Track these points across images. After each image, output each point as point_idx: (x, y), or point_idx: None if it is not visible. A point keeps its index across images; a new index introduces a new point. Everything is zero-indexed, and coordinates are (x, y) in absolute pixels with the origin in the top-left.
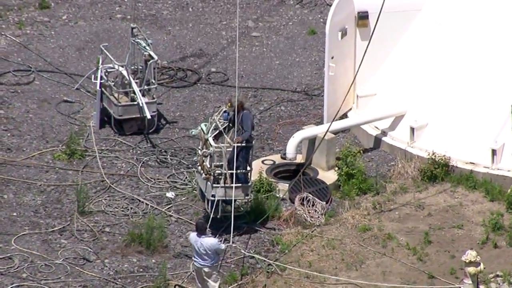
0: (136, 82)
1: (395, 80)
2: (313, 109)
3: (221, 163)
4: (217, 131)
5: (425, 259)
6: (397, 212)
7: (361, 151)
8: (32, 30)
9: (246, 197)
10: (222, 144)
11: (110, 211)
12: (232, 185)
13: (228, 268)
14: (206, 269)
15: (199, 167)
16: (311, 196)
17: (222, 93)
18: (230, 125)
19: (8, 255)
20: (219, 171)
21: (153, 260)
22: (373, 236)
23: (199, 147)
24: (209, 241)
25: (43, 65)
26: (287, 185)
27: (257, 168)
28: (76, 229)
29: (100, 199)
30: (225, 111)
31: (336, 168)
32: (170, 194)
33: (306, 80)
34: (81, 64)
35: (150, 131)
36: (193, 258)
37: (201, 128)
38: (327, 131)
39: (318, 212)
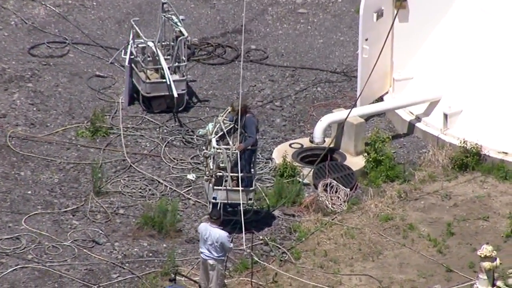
0: (167, 59)
1: (432, 64)
2: (350, 91)
3: (224, 165)
4: (222, 132)
5: (445, 252)
6: (422, 201)
7: (390, 137)
8: (73, 0)
9: (248, 201)
10: (224, 146)
11: (127, 192)
12: (233, 188)
13: (240, 255)
14: (211, 262)
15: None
16: (335, 182)
17: (259, 72)
18: (236, 126)
19: (16, 235)
20: (220, 173)
21: (164, 245)
22: (394, 226)
23: (203, 148)
24: (218, 233)
25: (80, 37)
26: (312, 170)
27: (285, 151)
28: (90, 210)
29: (119, 179)
30: (230, 113)
31: (365, 154)
32: (191, 176)
33: (347, 60)
34: (119, 38)
35: (179, 109)
36: (199, 249)
37: (209, 129)
38: (348, 115)
39: (340, 199)
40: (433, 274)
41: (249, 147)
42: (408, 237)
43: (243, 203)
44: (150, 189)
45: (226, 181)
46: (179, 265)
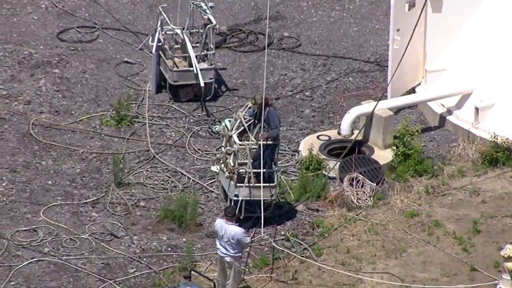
0: (196, 47)
1: (465, 56)
2: (383, 81)
3: (245, 162)
4: (242, 128)
5: (470, 250)
6: (450, 197)
7: (419, 131)
8: None
9: (270, 197)
10: (247, 142)
11: (149, 184)
12: (256, 184)
13: (261, 251)
14: (228, 259)
15: (222, 165)
16: (361, 176)
17: (291, 60)
18: (256, 121)
19: (34, 227)
20: (243, 170)
21: (184, 239)
22: (419, 222)
23: (223, 144)
24: (234, 229)
25: (110, 21)
26: (338, 163)
27: (312, 143)
28: (110, 202)
29: (141, 170)
30: (250, 107)
31: (394, 148)
32: (215, 168)
33: (381, 49)
34: (150, 23)
35: (207, 98)
36: (216, 246)
37: (225, 124)
38: (374, 108)
39: (366, 194)
40: (457, 273)
41: (271, 141)
42: (433, 234)
43: (265, 200)
44: (172, 181)
45: (248, 177)
46: (198, 260)
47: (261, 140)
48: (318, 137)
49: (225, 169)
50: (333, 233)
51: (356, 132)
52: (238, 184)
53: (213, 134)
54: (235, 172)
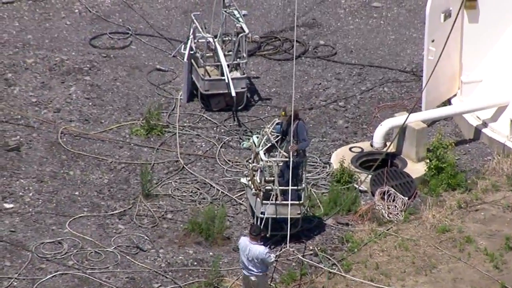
0: (228, 55)
1: (501, 68)
2: (418, 92)
3: (272, 179)
4: (269, 144)
5: (502, 267)
6: (483, 212)
7: (453, 144)
8: None
9: (297, 215)
10: (273, 159)
11: (177, 196)
12: (283, 202)
13: (288, 266)
14: (253, 278)
15: (249, 182)
16: (393, 190)
17: (326, 69)
18: (283, 137)
19: (59, 239)
20: (269, 187)
21: (211, 253)
22: (451, 238)
23: (250, 161)
24: (258, 249)
25: (144, 27)
26: (369, 176)
27: (343, 155)
28: (137, 214)
29: (170, 181)
30: (277, 123)
31: (427, 161)
32: (245, 180)
33: (418, 59)
34: (185, 29)
35: (239, 108)
36: (240, 264)
37: (253, 141)
38: (406, 121)
39: (397, 208)
40: None
41: (297, 156)
42: (465, 251)
43: (292, 217)
44: (201, 193)
45: (275, 195)
46: (224, 275)
47: (291, 152)
48: (350, 149)
49: (252, 186)
50: (362, 248)
51: (389, 144)
52: (264, 202)
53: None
54: (262, 189)
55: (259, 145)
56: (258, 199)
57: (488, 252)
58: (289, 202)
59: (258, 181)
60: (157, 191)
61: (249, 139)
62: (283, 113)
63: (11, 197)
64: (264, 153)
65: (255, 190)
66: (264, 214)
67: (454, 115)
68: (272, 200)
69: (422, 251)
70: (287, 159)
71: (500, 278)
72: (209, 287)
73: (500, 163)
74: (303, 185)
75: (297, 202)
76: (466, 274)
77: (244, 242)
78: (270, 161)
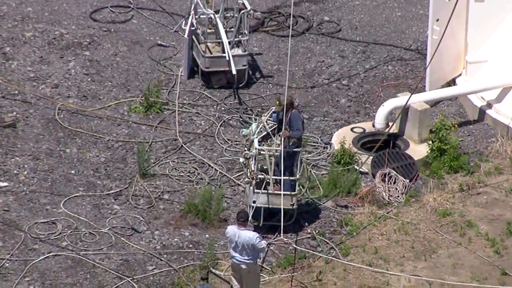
0: (230, 32)
1: (507, 48)
2: (423, 70)
3: (265, 168)
4: (265, 133)
5: (503, 253)
6: (485, 196)
7: (456, 125)
8: None
9: (290, 207)
10: (266, 147)
11: (174, 176)
12: (275, 192)
13: (285, 249)
14: (243, 266)
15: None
16: (394, 172)
17: (330, 46)
18: (280, 126)
19: (53, 219)
20: (262, 176)
21: (207, 235)
22: (452, 222)
23: (245, 149)
24: (247, 235)
25: (146, 1)
26: (370, 157)
27: (345, 136)
28: (133, 194)
29: (168, 160)
30: (274, 112)
31: (430, 142)
32: (243, 159)
33: (423, 37)
34: (187, 3)
35: (240, 85)
36: (230, 252)
37: (252, 129)
38: (407, 101)
39: (398, 191)
40: (487, 277)
41: (292, 145)
42: (465, 235)
43: (285, 208)
44: (199, 173)
45: (268, 184)
46: (220, 258)
47: (282, 139)
48: (352, 129)
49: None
50: (361, 231)
51: (392, 125)
52: (256, 190)
53: (245, 124)
54: (254, 178)
55: (254, 133)
56: (250, 187)
57: (489, 237)
58: (282, 192)
59: (252, 169)
60: (154, 171)
61: (248, 127)
62: (277, 102)
63: (5, 175)
64: (260, 141)
65: (248, 178)
66: (255, 203)
67: (458, 96)
68: (263, 189)
69: (422, 235)
70: (279, 148)
71: (500, 263)
72: (204, 270)
73: (504, 145)
74: (298, 176)
75: (290, 193)
76: (466, 260)
77: (233, 230)
78: (262, 150)
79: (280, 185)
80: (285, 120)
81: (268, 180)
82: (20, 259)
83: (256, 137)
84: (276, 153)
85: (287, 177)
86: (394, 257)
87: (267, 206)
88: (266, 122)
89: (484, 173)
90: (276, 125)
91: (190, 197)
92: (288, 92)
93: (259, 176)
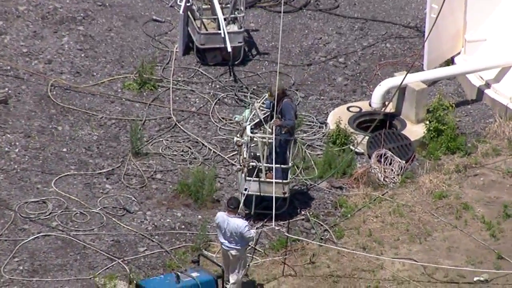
0: (226, 8)
1: (506, 26)
2: (422, 48)
3: (258, 155)
4: (258, 120)
5: (499, 236)
6: (482, 178)
7: (453, 105)
8: None
9: (282, 195)
10: (258, 135)
11: (168, 155)
12: (267, 180)
13: (278, 232)
14: (233, 252)
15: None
16: (390, 153)
17: (327, 23)
18: (273, 114)
19: (43, 198)
20: (254, 164)
21: (199, 216)
22: (447, 204)
23: (237, 135)
24: (236, 222)
25: None
26: (366, 138)
27: (340, 116)
28: (125, 173)
29: (161, 139)
30: (267, 99)
31: (427, 122)
32: (239, 134)
33: (422, 14)
34: None
35: (236, 63)
36: (219, 239)
37: (245, 115)
38: (402, 81)
39: (394, 172)
40: (483, 261)
41: (285, 133)
42: (461, 218)
43: (277, 196)
44: (192, 152)
45: (260, 172)
46: (212, 240)
47: (273, 127)
48: (348, 108)
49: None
50: (356, 213)
51: (388, 105)
52: (247, 178)
53: (240, 102)
54: (246, 165)
55: (247, 120)
56: (242, 174)
57: (485, 220)
58: (273, 180)
59: (244, 156)
60: (147, 150)
61: (241, 112)
62: (268, 93)
63: None
64: (252, 128)
65: (239, 165)
66: (246, 190)
67: (456, 75)
68: (255, 177)
69: (417, 217)
70: (271, 135)
71: (496, 247)
72: (196, 252)
73: (502, 126)
74: (290, 165)
75: (282, 181)
76: (461, 243)
77: (222, 216)
78: (254, 137)
79: (273, 172)
80: (276, 109)
81: (260, 168)
82: (10, 239)
83: (249, 124)
84: (270, 141)
85: (279, 165)
86: (389, 240)
87: (258, 194)
88: (259, 108)
89: (482, 154)
90: (269, 113)
91: (183, 177)
92: (284, 70)
93: (251, 163)
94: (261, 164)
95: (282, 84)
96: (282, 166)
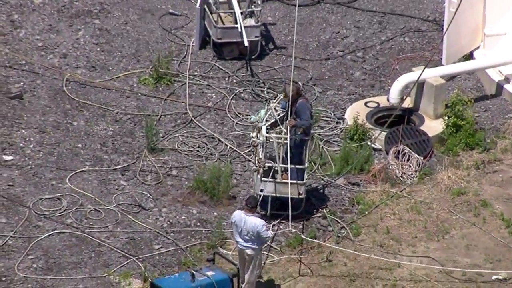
0: (243, 1)
1: None
2: (441, 43)
3: (274, 156)
4: (273, 120)
5: None
6: (501, 174)
7: (472, 100)
8: None
9: (298, 196)
10: (274, 135)
11: (183, 151)
12: (283, 181)
13: (295, 227)
14: (248, 252)
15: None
16: (408, 149)
17: (345, 17)
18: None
19: (58, 195)
20: (269, 164)
21: (215, 213)
22: (466, 201)
23: (253, 135)
24: (253, 221)
25: None
26: (384, 134)
27: (358, 111)
28: (140, 169)
29: (177, 135)
30: (282, 98)
31: (446, 118)
32: (254, 134)
33: (442, 7)
34: None
35: (253, 57)
36: (235, 238)
37: (260, 115)
38: (419, 76)
39: (412, 169)
40: (501, 259)
41: (301, 133)
42: (480, 215)
43: (292, 197)
44: (208, 148)
45: (276, 172)
46: (228, 237)
47: (288, 127)
48: (366, 103)
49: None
50: (373, 211)
51: (407, 100)
52: (263, 179)
53: (256, 97)
54: (262, 166)
55: (262, 120)
56: (258, 175)
57: (504, 217)
58: (289, 181)
59: (260, 156)
60: (163, 145)
61: (257, 111)
62: (283, 94)
63: (11, 148)
64: (268, 128)
65: (255, 166)
66: (262, 191)
67: (475, 70)
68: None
69: (435, 215)
70: (286, 135)
71: None
72: (211, 249)
73: None
74: (306, 165)
75: (298, 181)
76: (480, 241)
77: (239, 215)
78: (269, 137)
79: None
80: (292, 110)
81: (276, 168)
82: (24, 236)
83: (264, 124)
84: (285, 141)
85: (294, 166)
86: (406, 238)
87: (274, 195)
88: (275, 109)
89: (501, 150)
90: (284, 113)
91: (199, 173)
92: (301, 64)
93: (266, 164)
94: (276, 164)
95: (296, 85)
96: (298, 166)
